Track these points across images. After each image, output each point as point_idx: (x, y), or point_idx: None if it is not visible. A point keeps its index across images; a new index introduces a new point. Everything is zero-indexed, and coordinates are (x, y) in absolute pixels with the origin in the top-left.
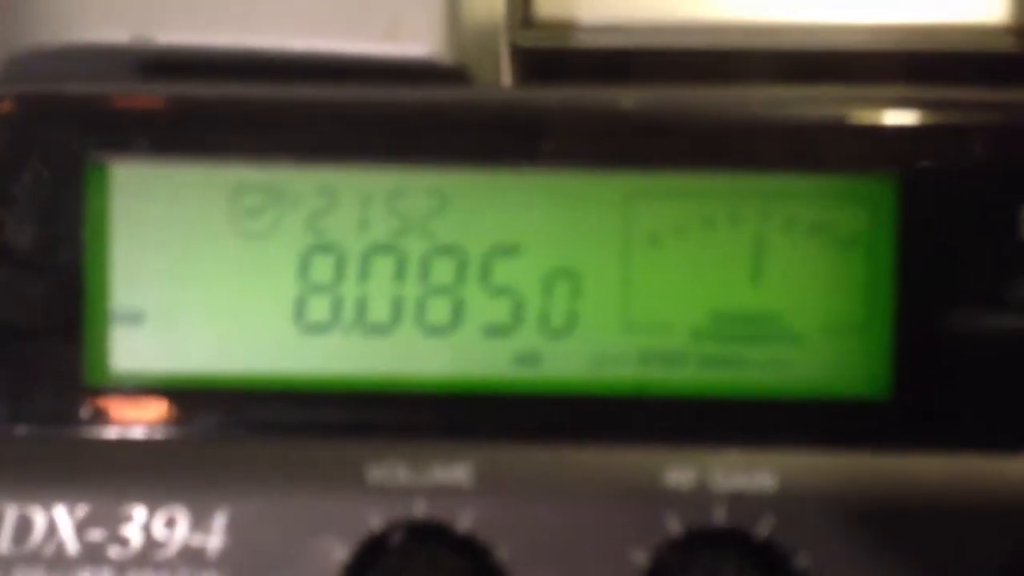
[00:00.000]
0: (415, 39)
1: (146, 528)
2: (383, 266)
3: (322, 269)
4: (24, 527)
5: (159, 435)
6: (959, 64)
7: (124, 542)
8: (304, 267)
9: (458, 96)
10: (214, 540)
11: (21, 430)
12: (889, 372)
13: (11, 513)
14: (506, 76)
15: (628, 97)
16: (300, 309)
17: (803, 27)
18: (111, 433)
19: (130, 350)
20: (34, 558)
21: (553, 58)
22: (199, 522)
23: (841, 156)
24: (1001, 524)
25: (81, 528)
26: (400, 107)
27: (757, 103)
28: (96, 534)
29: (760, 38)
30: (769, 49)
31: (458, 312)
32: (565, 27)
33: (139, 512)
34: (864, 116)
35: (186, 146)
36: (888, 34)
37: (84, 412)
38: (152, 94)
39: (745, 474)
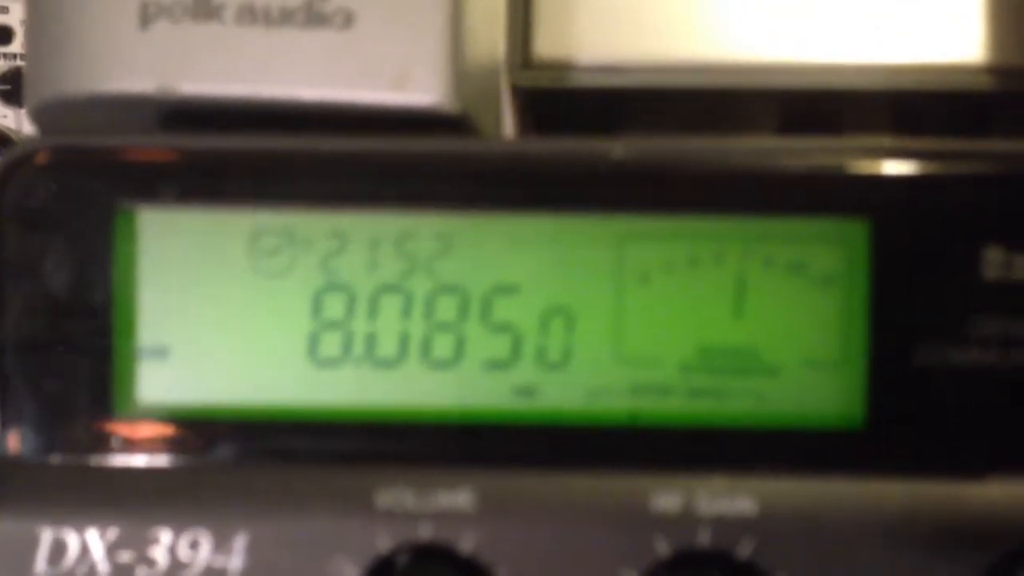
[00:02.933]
0: (421, 90)
1: (172, 550)
2: (391, 304)
3: (334, 307)
4: (59, 550)
5: (183, 462)
6: (940, 102)
7: (151, 563)
8: (317, 305)
9: (461, 147)
10: (235, 561)
11: (56, 458)
12: (863, 403)
13: (46, 536)
14: (507, 115)
15: (619, 148)
16: (313, 344)
17: (793, 67)
18: (139, 461)
19: (156, 383)
20: None
21: (552, 98)
22: (221, 544)
23: (817, 201)
24: (965, 544)
25: (112, 550)
26: (407, 157)
27: (739, 153)
28: (125, 556)
29: (753, 78)
30: (761, 88)
31: (461, 347)
32: (564, 67)
33: (165, 535)
34: (839, 165)
35: (207, 193)
36: (874, 74)
37: (114, 441)
38: (176, 146)
39: (728, 499)
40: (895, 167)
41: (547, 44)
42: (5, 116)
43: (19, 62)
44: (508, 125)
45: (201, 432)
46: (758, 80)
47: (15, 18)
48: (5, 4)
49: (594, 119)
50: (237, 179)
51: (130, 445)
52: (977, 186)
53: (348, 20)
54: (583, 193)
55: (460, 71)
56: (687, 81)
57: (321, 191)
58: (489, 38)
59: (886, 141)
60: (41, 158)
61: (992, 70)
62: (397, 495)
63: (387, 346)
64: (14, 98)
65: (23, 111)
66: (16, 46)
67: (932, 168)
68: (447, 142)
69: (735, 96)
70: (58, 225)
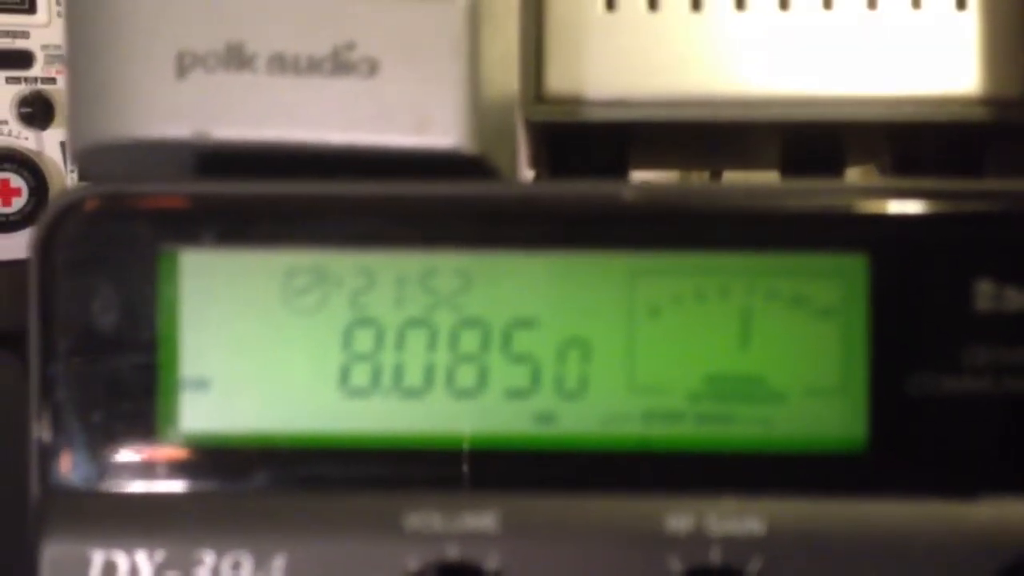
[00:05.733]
0: (441, 133)
1: (215, 571)
2: (417, 337)
3: (363, 340)
4: (109, 571)
5: (224, 488)
6: (937, 132)
7: None
8: (347, 339)
9: (481, 189)
10: None
11: (105, 485)
12: (864, 428)
13: (98, 558)
14: (522, 149)
15: (629, 190)
16: (344, 376)
17: (795, 100)
18: (182, 487)
19: (198, 413)
20: None
21: (564, 131)
22: (261, 565)
23: (818, 238)
24: (962, 560)
25: (159, 572)
26: (430, 199)
27: (743, 194)
28: None
29: (757, 111)
30: (765, 121)
31: (483, 377)
32: (575, 102)
33: (209, 557)
34: (838, 204)
35: (243, 236)
36: (873, 106)
37: (159, 468)
38: (214, 192)
39: (737, 520)
40: (891, 206)
41: (559, 80)
42: (27, 138)
43: (40, 85)
44: (523, 158)
45: (240, 459)
46: (762, 113)
47: (36, 43)
48: (25, 29)
49: (605, 151)
50: (271, 222)
51: (174, 472)
52: (969, 223)
53: (373, 68)
54: (596, 232)
55: (477, 113)
56: (693, 114)
57: (350, 232)
58: (504, 78)
59: (882, 181)
60: (90, 205)
61: (987, 101)
62: (425, 518)
63: (414, 377)
64: (35, 120)
65: (44, 133)
66: (36, 70)
67: (926, 207)
68: (468, 185)
69: (740, 128)
70: (105, 267)
